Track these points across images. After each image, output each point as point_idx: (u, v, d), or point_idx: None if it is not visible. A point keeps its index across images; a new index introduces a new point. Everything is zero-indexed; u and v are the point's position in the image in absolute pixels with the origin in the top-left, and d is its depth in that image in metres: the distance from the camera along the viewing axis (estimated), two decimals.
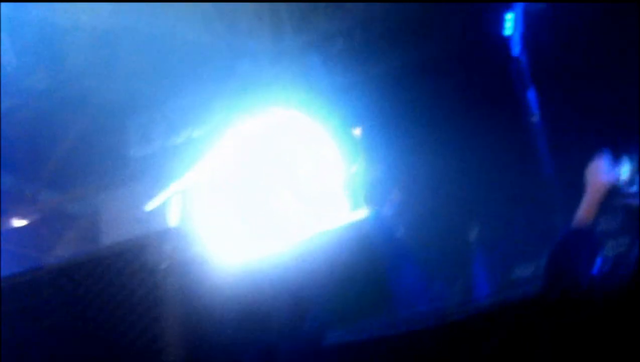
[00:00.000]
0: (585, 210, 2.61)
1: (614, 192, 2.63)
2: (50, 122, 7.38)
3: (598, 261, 2.55)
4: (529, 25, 5.22)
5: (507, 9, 5.39)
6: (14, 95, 6.94)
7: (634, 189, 2.63)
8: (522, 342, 2.66)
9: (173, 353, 2.10)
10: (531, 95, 4.77)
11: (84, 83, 7.00)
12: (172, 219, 6.44)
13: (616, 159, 2.71)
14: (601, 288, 2.34)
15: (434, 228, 6.01)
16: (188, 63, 6.68)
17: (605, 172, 2.67)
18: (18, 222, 8.05)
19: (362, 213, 4.55)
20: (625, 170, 2.65)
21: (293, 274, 2.55)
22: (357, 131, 6.01)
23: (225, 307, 2.22)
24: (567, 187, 4.54)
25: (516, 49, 5.21)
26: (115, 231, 7.56)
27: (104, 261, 2.23)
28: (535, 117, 4.67)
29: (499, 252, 5.97)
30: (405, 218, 5.78)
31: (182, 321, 2.13)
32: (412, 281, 4.04)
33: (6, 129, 7.14)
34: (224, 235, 5.26)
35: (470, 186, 6.07)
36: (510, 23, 5.35)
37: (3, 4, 5.95)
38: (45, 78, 6.87)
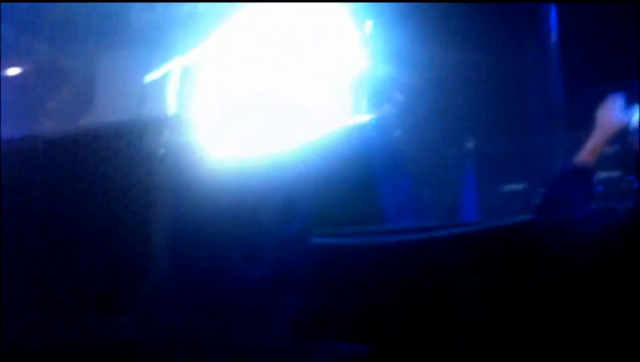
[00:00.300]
0: (590, 147, 2.56)
1: (623, 133, 2.59)
2: None
3: (594, 199, 2.55)
4: None
5: None
6: None
7: None
8: (508, 266, 2.71)
9: (161, 240, 2.10)
10: (553, 12, 4.59)
11: None
12: (170, 97, 6.33)
13: (630, 101, 2.63)
14: (593, 226, 2.35)
15: (430, 134, 5.97)
16: None
17: (617, 113, 2.61)
18: (12, 71, 7.91)
19: (363, 117, 4.50)
20: (637, 114, 2.58)
21: (287, 174, 2.52)
22: (368, 26, 5.82)
23: (216, 201, 2.20)
24: (572, 117, 4.47)
25: None
26: (109, 93, 7.48)
27: (102, 138, 2.18)
28: (554, 38, 4.50)
29: (491, 166, 5.98)
30: (403, 121, 5.73)
31: (173, 209, 2.11)
32: (402, 187, 4.05)
33: None
34: (223, 126, 5.20)
35: (473, 97, 5.98)
36: None
37: None
38: None
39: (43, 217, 2.22)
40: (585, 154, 2.60)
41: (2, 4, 6.82)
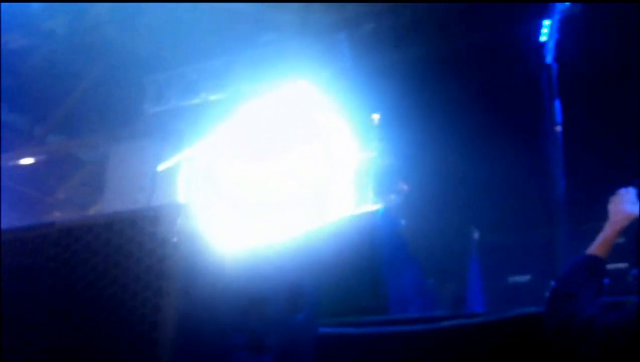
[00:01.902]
0: (602, 240, 2.56)
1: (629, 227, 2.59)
2: (66, 66, 7.35)
3: (605, 293, 2.54)
4: (564, 34, 5.13)
5: (546, 15, 5.27)
6: (34, 34, 6.91)
7: None
8: (516, 359, 2.68)
9: (169, 327, 2.11)
10: (557, 105, 4.70)
11: (105, 33, 6.95)
12: (180, 186, 6.44)
13: None
14: (601, 323, 2.32)
15: (435, 225, 6.00)
16: (212, 27, 6.63)
17: (631, 203, 2.62)
18: (24, 161, 8.07)
19: (369, 206, 4.55)
20: None
21: (293, 263, 2.55)
22: (375, 117, 5.96)
23: (224, 289, 2.23)
24: (574, 205, 4.51)
25: (549, 57, 5.13)
26: (120, 182, 7.59)
27: (115, 226, 2.22)
28: (557, 128, 4.60)
29: (497, 258, 5.98)
30: (408, 211, 5.78)
31: (183, 296, 2.14)
32: (408, 277, 4.05)
33: (22, 67, 7.12)
34: (231, 216, 5.26)
35: (478, 188, 6.04)
36: (546, 29, 5.25)
37: None
38: (67, 22, 6.82)
39: (55, 304, 2.24)
40: (597, 247, 2.59)
41: (15, 96, 7.02)
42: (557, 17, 5.16)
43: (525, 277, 5.73)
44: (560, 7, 5.21)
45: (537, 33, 5.08)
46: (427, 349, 2.77)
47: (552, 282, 2.57)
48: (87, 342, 2.11)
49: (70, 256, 2.24)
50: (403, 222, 5.65)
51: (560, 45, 4.82)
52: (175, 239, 2.15)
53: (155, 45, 7.00)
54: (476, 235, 5.90)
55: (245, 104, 6.69)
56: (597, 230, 2.64)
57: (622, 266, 5.17)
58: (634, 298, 2.40)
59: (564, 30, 5.01)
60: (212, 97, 7.16)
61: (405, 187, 5.87)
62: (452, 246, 6.06)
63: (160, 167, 6.71)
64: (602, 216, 2.68)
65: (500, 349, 2.68)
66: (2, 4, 6.17)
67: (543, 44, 4.88)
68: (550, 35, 4.97)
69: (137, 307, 2.12)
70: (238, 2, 6.38)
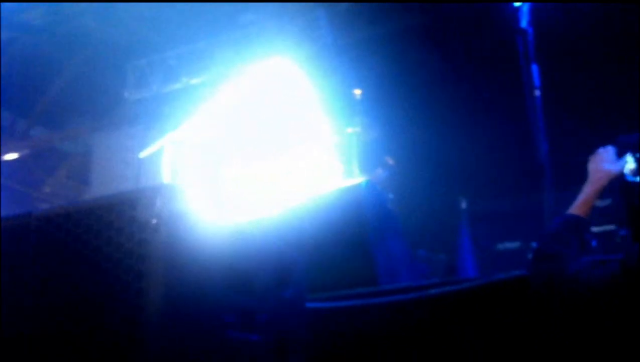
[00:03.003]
0: (582, 199, 2.57)
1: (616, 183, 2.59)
2: (46, 58, 7.30)
3: (587, 251, 2.55)
4: None
5: None
6: (10, 28, 6.83)
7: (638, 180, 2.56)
8: (503, 322, 2.70)
9: (155, 309, 2.11)
10: (534, 69, 4.70)
11: (83, 22, 6.89)
12: (164, 169, 6.42)
13: (620, 150, 2.63)
14: (587, 278, 2.34)
15: (422, 196, 6.02)
16: (190, 11, 6.58)
17: (609, 162, 2.62)
18: (8, 156, 8.02)
19: (354, 179, 4.55)
20: (630, 162, 2.57)
21: (280, 238, 2.55)
22: (357, 92, 5.95)
23: (209, 268, 2.23)
24: (559, 168, 4.53)
25: (524, 21, 5.12)
26: (106, 172, 7.57)
27: (94, 212, 2.21)
28: (536, 92, 4.60)
29: (485, 225, 6.01)
30: (395, 184, 5.79)
31: (166, 278, 2.13)
32: (397, 249, 4.06)
33: (0, 63, 7.05)
34: (216, 193, 5.26)
35: (463, 157, 6.06)
36: None
37: None
38: (44, 14, 6.75)
39: (38, 293, 2.23)
40: (577, 206, 2.60)
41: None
42: None
43: (515, 244, 5.76)
44: None
45: None
46: (415, 317, 2.78)
47: (534, 244, 2.59)
48: (70, 329, 2.11)
49: (50, 244, 2.23)
50: (391, 195, 5.66)
51: (534, 9, 4.81)
52: (154, 221, 2.14)
53: (134, 32, 6.95)
54: (464, 204, 5.93)
55: (227, 83, 6.66)
56: None
57: (610, 227, 5.20)
58: (619, 257, 2.42)
59: None
60: (194, 81, 7.13)
61: (390, 161, 5.88)
62: (441, 216, 6.09)
63: (143, 154, 6.69)
64: (586, 178, 2.68)
65: (488, 313, 2.70)
66: None
67: (518, 9, 4.87)
68: None
69: (120, 291, 2.12)
70: None
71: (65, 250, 2.23)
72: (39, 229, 2.28)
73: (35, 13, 6.71)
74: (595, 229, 5.06)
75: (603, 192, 2.64)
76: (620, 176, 2.62)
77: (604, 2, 5.09)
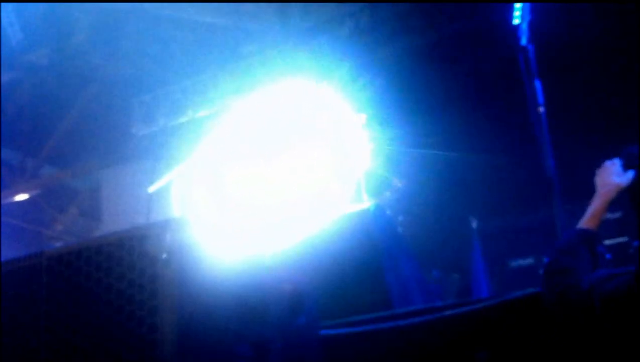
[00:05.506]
0: (591, 213, 2.56)
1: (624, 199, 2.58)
2: (53, 97, 7.37)
3: (601, 264, 2.53)
4: (537, 15, 5.16)
5: None
6: (16, 69, 6.92)
7: None
8: (519, 341, 2.68)
9: (168, 344, 2.11)
10: (537, 85, 4.72)
11: (88, 60, 6.97)
12: (174, 203, 6.45)
13: (627, 162, 2.63)
14: (601, 292, 2.32)
15: (432, 218, 6.01)
16: (193, 44, 6.65)
17: (617, 175, 2.61)
18: (19, 197, 8.07)
19: (362, 204, 4.55)
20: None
21: (292, 268, 2.55)
22: (362, 117, 5.98)
23: (221, 300, 2.22)
24: (567, 182, 4.52)
25: (524, 39, 5.16)
26: (116, 208, 7.60)
27: (104, 249, 2.22)
28: (540, 109, 4.61)
29: (497, 243, 5.99)
30: (404, 207, 5.79)
31: (179, 312, 2.13)
32: (409, 271, 4.05)
33: (8, 103, 7.13)
34: (226, 226, 5.27)
35: (471, 177, 6.06)
36: (519, 12, 5.28)
37: None
38: (50, 54, 6.84)
39: (52, 332, 2.24)
40: (587, 220, 2.59)
41: (4, 133, 7.00)
42: None
43: (528, 260, 5.74)
44: None
45: (511, 16, 5.11)
46: (429, 339, 2.77)
47: (545, 259, 2.57)
48: None
49: (62, 283, 2.24)
50: (401, 218, 5.65)
51: (534, 27, 4.85)
52: (165, 256, 2.15)
53: (139, 68, 7.02)
54: (474, 223, 5.91)
55: (231, 112, 6.71)
56: None
57: (622, 239, 5.17)
58: (633, 269, 2.40)
59: (536, 11, 5.04)
60: (200, 113, 7.18)
61: (398, 183, 5.88)
62: (452, 236, 6.07)
63: (152, 188, 6.72)
64: (594, 191, 2.68)
65: (504, 332, 2.68)
66: None
67: (518, 27, 4.90)
68: (523, 17, 5.00)
69: (134, 328, 2.12)
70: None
71: (77, 288, 2.24)
72: (50, 268, 2.29)
73: (41, 53, 6.80)
74: (608, 241, 5.04)
75: (613, 205, 2.63)
76: (629, 188, 2.62)
77: (603, 18, 5.13)
